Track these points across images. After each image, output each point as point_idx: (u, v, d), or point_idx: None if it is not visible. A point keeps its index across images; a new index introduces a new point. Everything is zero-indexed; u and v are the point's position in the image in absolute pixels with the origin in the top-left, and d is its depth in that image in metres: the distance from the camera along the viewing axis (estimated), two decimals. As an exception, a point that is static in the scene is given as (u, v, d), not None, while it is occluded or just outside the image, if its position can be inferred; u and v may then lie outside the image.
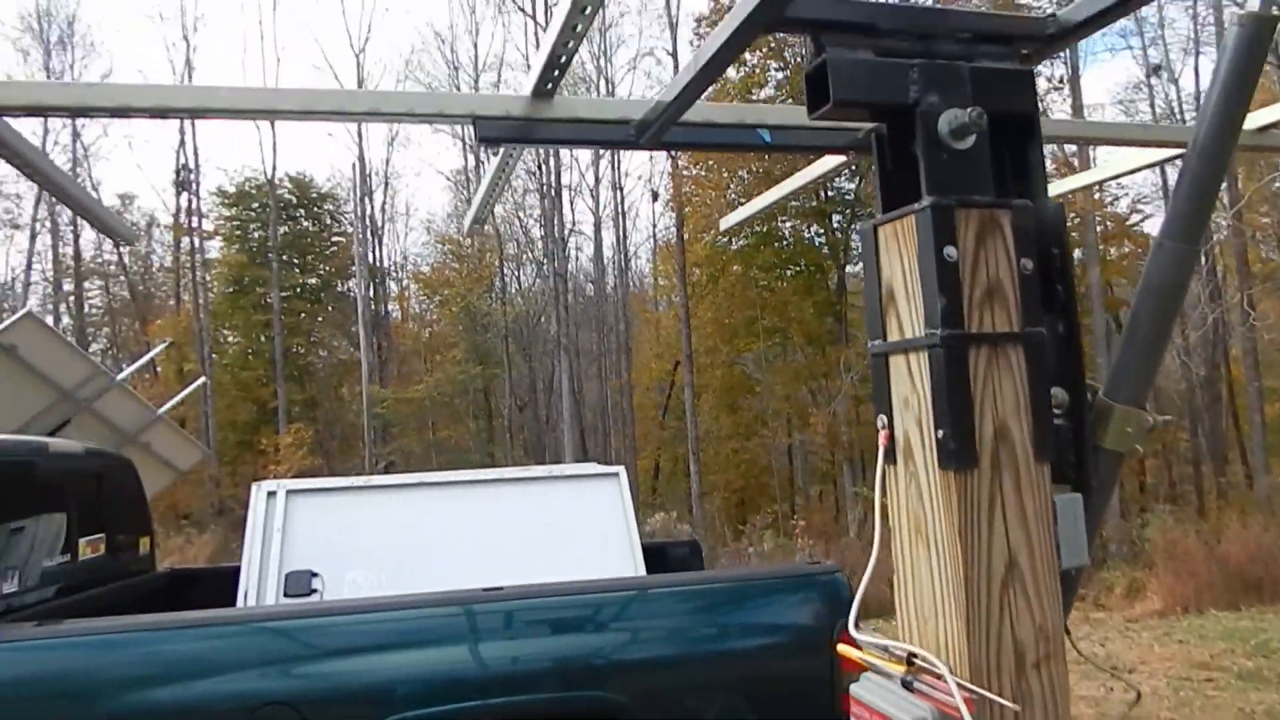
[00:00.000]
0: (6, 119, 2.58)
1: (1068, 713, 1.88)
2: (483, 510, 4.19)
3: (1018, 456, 1.84)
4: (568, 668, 2.73)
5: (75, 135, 24.91)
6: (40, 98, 2.47)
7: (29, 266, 26.38)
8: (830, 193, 17.77)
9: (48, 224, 26.09)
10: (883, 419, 1.96)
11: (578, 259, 27.65)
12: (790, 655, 2.97)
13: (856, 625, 1.96)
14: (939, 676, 1.80)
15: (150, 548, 4.53)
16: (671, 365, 24.07)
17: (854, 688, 1.97)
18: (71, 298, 26.75)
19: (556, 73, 2.18)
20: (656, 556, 4.36)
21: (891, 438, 1.95)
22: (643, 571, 4.00)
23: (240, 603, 3.63)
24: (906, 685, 1.86)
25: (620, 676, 2.79)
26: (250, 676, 2.58)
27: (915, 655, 1.90)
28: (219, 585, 3.97)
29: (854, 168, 11.88)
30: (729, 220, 4.26)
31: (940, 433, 1.77)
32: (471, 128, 2.40)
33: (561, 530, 4.12)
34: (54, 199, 23.76)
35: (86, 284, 27.61)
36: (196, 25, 34.14)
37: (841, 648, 2.14)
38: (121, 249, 26.84)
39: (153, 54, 48.32)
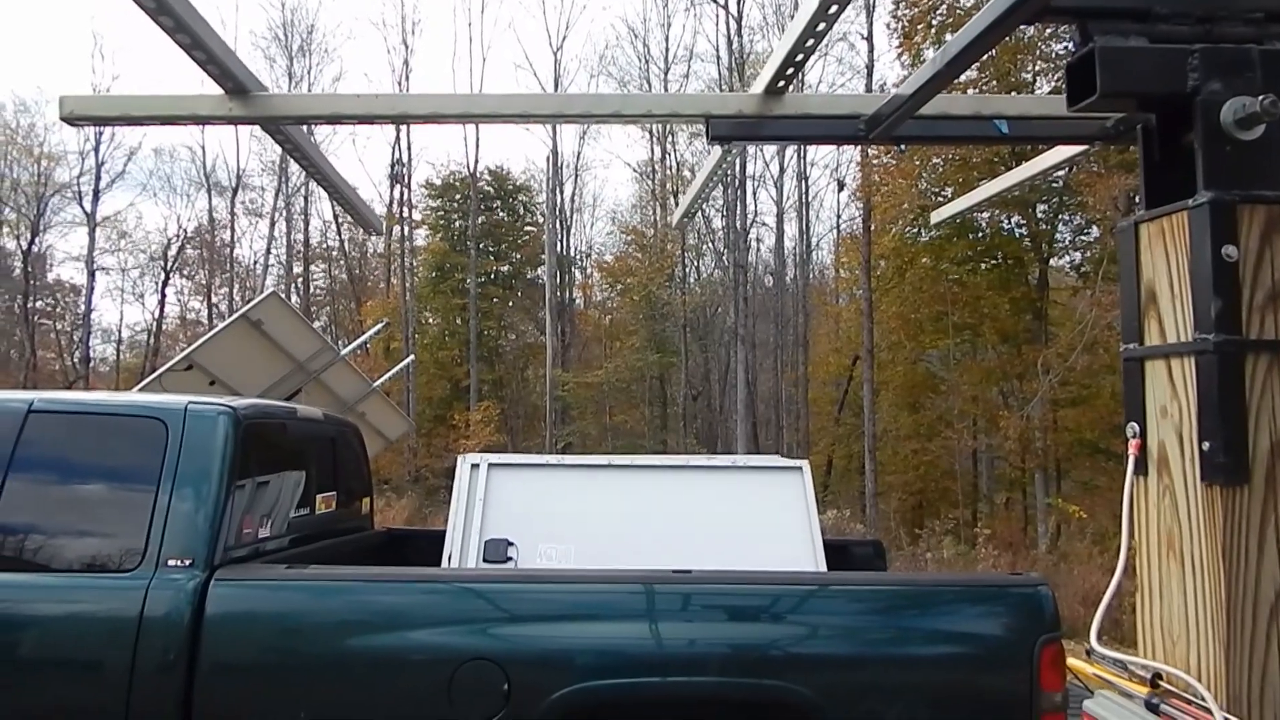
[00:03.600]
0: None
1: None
2: (667, 494, 4.30)
3: (1297, 475, 1.69)
4: (751, 655, 2.75)
5: (310, 131, 27.80)
6: (306, 108, 2.83)
7: (268, 250, 29.86)
8: (1035, 180, 16.46)
9: (284, 213, 29.37)
10: (1134, 427, 1.86)
11: (758, 250, 27.51)
12: (987, 669, 2.85)
13: (1099, 640, 1.88)
14: (1192, 703, 1.70)
15: (370, 507, 5.01)
16: (850, 360, 23.41)
17: (1089, 704, 1.89)
18: (300, 279, 29.94)
19: (791, 70, 2.20)
20: (838, 554, 4.30)
21: (1143, 447, 1.84)
22: (824, 567, 3.97)
23: (444, 564, 3.94)
24: (1151, 708, 1.76)
25: (804, 670, 2.78)
26: (462, 631, 2.80)
27: (1162, 676, 1.80)
28: (428, 546, 4.33)
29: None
30: (941, 213, 4.11)
31: (1207, 445, 1.66)
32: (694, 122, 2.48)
33: (743, 520, 4.16)
34: (317, 190, 26.44)
35: (313, 267, 30.83)
36: (415, 30, 36.90)
37: (1072, 661, 2.06)
38: (344, 236, 29.74)
39: (377, 57, 53.02)
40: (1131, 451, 1.85)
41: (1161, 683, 1.75)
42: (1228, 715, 1.59)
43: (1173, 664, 1.78)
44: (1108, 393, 14.90)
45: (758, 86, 2.33)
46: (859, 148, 18.47)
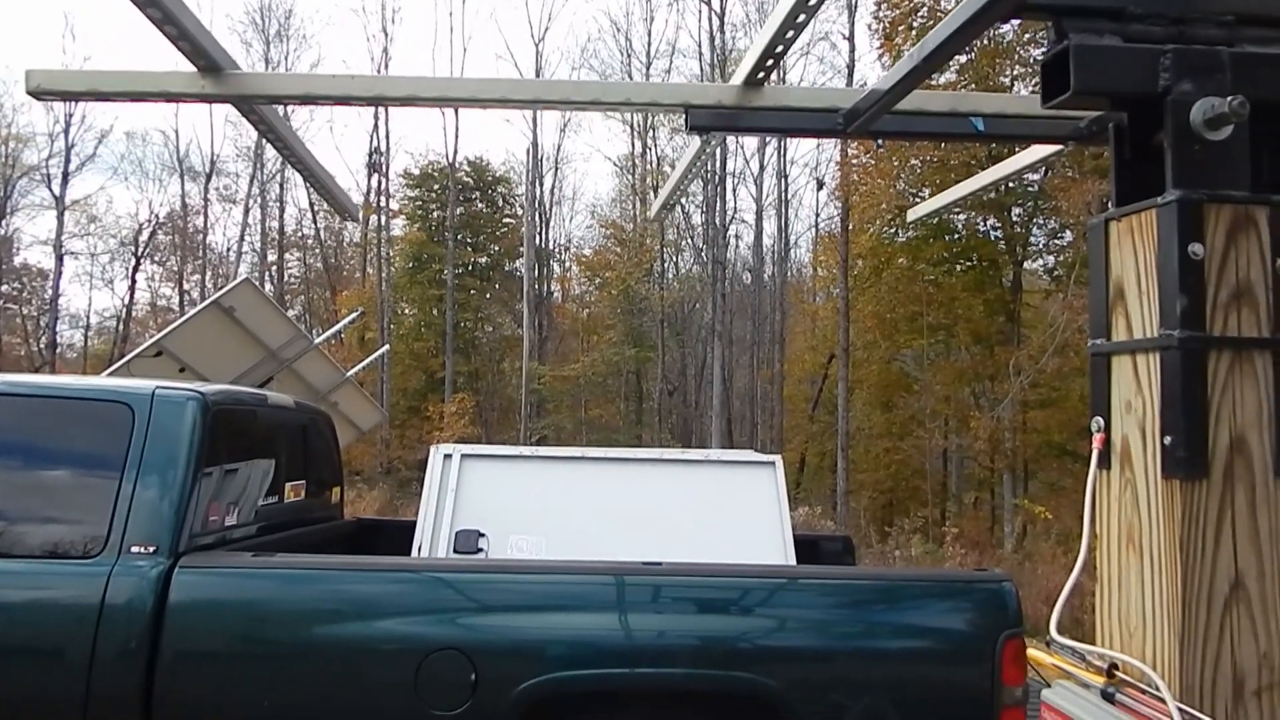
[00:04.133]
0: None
1: (1294, 747, 1.75)
2: (640, 488, 4.31)
3: (1254, 470, 1.73)
4: (720, 648, 2.75)
5: (286, 117, 27.40)
6: (280, 87, 2.79)
7: (241, 237, 29.47)
8: (1011, 183, 16.67)
9: (258, 200, 28.98)
10: (1099, 421, 1.89)
11: (737, 246, 27.59)
12: (950, 663, 2.88)
13: (1058, 631, 1.90)
14: (1146, 692, 1.73)
15: (340, 497, 4.95)
16: (826, 358, 23.57)
17: (1047, 694, 1.92)
18: (274, 267, 29.55)
19: (770, 62, 2.21)
20: (808, 549, 4.33)
21: (1107, 441, 1.88)
22: (794, 562, 3.99)
23: (414, 554, 3.91)
24: (1107, 697, 1.79)
25: (772, 662, 2.80)
26: (430, 621, 2.78)
27: (1118, 666, 1.83)
28: (398, 537, 4.29)
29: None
30: (918, 210, 4.14)
31: (1168, 439, 1.69)
32: (675, 115, 2.48)
33: (715, 514, 4.17)
34: (293, 177, 26.06)
35: (287, 255, 30.46)
36: (394, 18, 36.72)
37: (1032, 653, 2.08)
38: (320, 224, 29.41)
39: (355, 45, 52.35)
40: (1096, 445, 1.88)
41: (1118, 672, 1.78)
42: (1181, 704, 1.62)
43: (1129, 654, 1.82)
44: (1076, 395, 15.13)
45: (737, 78, 2.33)
46: (838, 146, 18.58)
